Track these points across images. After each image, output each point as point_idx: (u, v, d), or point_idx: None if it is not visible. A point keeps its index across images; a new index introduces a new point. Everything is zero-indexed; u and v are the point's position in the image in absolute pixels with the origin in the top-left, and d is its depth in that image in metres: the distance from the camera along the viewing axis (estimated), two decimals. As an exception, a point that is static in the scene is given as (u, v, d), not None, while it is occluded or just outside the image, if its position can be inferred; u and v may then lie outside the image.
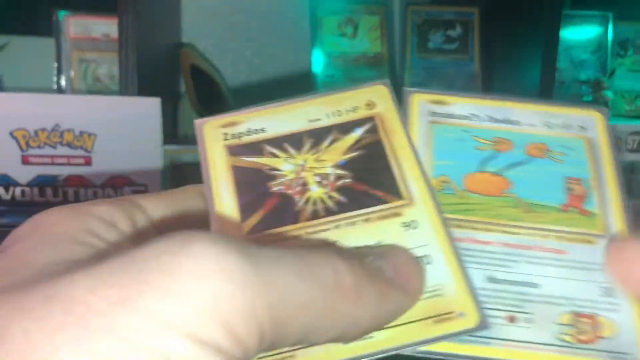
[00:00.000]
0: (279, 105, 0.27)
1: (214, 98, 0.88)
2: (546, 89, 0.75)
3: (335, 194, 0.26)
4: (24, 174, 0.62)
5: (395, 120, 0.28)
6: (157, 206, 0.25)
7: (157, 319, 0.15)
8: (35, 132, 0.62)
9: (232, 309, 0.16)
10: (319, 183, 0.26)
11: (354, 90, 0.29)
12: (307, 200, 0.26)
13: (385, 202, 0.26)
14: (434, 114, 0.30)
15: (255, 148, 0.27)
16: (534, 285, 0.26)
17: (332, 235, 0.25)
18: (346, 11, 0.93)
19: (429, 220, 0.25)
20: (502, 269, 0.27)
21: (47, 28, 0.91)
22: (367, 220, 0.25)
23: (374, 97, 0.28)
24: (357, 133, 0.28)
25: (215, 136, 0.27)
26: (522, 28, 0.82)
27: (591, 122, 0.30)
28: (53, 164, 0.63)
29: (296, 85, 1.08)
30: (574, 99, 0.98)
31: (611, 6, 0.98)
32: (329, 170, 0.27)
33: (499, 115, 0.30)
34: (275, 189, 0.26)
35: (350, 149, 0.27)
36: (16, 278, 0.18)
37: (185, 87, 0.88)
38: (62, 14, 0.90)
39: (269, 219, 0.25)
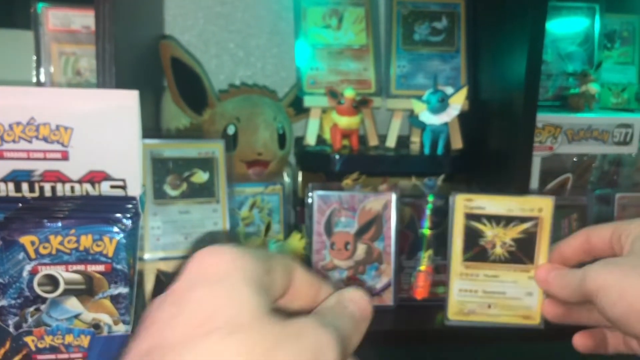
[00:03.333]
0: (499, 195, 0.55)
1: (196, 91, 0.87)
2: (532, 82, 0.75)
3: (506, 254, 0.55)
4: (-2, 169, 0.61)
5: (548, 221, 0.54)
6: None
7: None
8: (10, 125, 0.60)
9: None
10: (502, 245, 0.55)
11: (535, 198, 0.55)
12: (493, 252, 0.55)
13: (527, 264, 0.54)
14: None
15: (477, 218, 0.55)
16: None
17: (495, 271, 0.56)
18: (331, 2, 0.92)
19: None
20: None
21: (25, 20, 0.89)
22: (515, 270, 0.55)
23: (543, 206, 0.54)
24: (527, 224, 0.54)
25: (460, 206, 0.55)
26: (508, 20, 0.81)
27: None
28: (29, 158, 0.61)
29: (280, 77, 1.07)
30: (562, 91, 0.97)
31: (598, -2, 0.98)
32: (507, 240, 0.54)
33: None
34: (481, 242, 0.55)
35: (521, 232, 0.54)
36: None
37: (166, 80, 0.87)
38: (40, 6, 0.88)
39: (476, 256, 0.55)
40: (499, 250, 0.54)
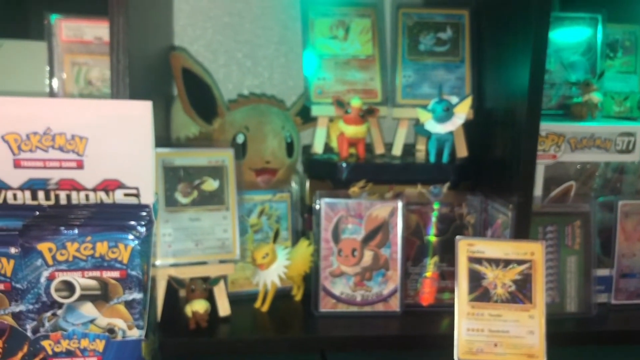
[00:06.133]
0: (496, 240, 0.63)
1: (206, 101, 0.89)
2: (535, 91, 0.76)
3: (507, 294, 0.60)
4: (15, 178, 0.62)
5: (540, 264, 0.59)
6: None
7: None
8: (27, 135, 0.62)
9: None
10: (502, 286, 0.60)
11: (527, 243, 0.61)
12: (495, 292, 0.60)
13: (525, 303, 0.61)
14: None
15: (479, 261, 0.61)
16: None
17: (498, 310, 0.60)
18: (337, 14, 0.93)
19: (538, 315, 0.60)
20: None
21: (39, 31, 0.91)
22: (515, 309, 0.60)
23: (534, 250, 0.60)
24: (523, 266, 0.60)
25: (463, 250, 0.62)
26: (511, 30, 0.82)
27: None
28: (45, 167, 0.63)
29: (288, 86, 1.09)
30: (565, 100, 0.99)
31: (600, 8, 0.99)
32: (507, 281, 0.60)
33: None
34: (484, 283, 0.60)
35: (518, 273, 0.60)
36: None
37: (177, 90, 0.88)
38: (54, 17, 0.90)
39: (480, 296, 0.60)
40: (500, 290, 0.60)
